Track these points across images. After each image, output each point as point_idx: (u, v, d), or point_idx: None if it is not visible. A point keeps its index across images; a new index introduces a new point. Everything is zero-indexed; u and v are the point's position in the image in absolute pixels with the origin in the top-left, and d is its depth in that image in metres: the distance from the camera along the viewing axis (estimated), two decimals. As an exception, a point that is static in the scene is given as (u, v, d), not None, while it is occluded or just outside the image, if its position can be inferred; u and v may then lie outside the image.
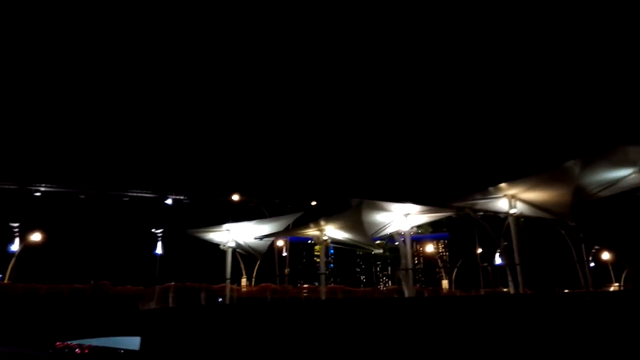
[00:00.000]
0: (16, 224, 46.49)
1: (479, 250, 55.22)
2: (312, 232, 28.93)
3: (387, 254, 31.01)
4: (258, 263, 56.71)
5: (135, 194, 49.30)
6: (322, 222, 28.31)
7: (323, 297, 27.90)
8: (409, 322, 20.38)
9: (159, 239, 49.98)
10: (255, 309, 25.03)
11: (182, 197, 49.96)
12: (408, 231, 26.76)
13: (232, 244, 30.54)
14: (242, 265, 55.10)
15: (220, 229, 29.99)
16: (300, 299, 32.59)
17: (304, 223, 30.18)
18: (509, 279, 27.29)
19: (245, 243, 31.39)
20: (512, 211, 24.31)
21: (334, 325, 21.71)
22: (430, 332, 19.89)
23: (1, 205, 48.33)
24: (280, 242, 44.61)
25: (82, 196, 47.65)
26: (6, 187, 46.07)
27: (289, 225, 32.19)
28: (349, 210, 26.97)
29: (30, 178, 46.71)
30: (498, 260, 55.39)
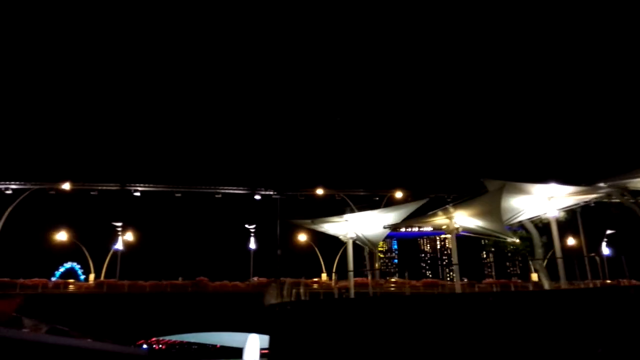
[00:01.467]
0: (119, 223, 48.04)
1: (571, 241, 51.34)
2: (440, 220, 27.27)
3: (519, 242, 28.61)
4: (338, 258, 55.77)
5: (227, 191, 49.50)
6: (451, 209, 26.58)
7: (458, 290, 26.21)
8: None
9: (252, 234, 50.01)
10: (392, 304, 23.71)
11: (271, 193, 49.57)
12: (554, 217, 24.37)
13: (352, 235, 29.39)
14: (321, 261, 54.35)
15: (339, 220, 28.84)
16: (430, 293, 30.96)
17: (426, 211, 28.57)
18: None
19: (362, 234, 30.16)
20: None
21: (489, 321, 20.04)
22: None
23: (104, 205, 50.19)
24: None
25: (178, 194, 48.36)
26: (108, 188, 47.43)
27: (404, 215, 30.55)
28: (484, 194, 24.96)
29: (130, 178, 48.15)
30: (606, 250, 51.39)
